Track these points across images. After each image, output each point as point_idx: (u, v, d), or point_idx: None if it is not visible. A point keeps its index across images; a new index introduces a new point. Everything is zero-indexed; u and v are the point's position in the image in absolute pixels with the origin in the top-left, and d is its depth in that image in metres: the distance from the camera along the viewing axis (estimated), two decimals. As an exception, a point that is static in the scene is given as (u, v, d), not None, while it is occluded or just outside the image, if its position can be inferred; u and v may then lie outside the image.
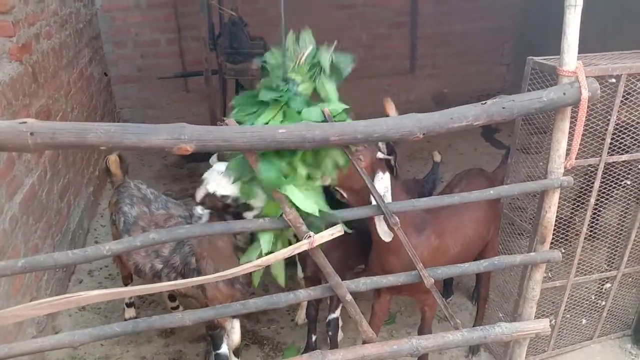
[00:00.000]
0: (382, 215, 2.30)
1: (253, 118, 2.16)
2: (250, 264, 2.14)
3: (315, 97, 2.24)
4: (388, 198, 2.33)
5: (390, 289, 2.58)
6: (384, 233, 2.37)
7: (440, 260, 2.53)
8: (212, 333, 2.71)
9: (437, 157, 3.37)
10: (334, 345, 3.02)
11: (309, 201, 2.12)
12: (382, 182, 2.33)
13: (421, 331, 2.81)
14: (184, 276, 2.62)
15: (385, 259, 2.55)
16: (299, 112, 2.12)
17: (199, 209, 2.22)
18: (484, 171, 3.22)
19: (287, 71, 2.21)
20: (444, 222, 2.65)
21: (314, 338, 3.08)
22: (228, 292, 2.50)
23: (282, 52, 2.22)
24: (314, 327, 3.07)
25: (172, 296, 3.45)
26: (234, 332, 2.78)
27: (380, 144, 3.33)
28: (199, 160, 4.69)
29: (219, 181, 2.23)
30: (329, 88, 2.19)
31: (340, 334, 3.21)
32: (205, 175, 2.29)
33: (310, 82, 2.20)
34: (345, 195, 2.43)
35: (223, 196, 2.24)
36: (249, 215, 2.30)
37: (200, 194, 2.24)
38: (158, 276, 2.71)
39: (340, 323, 3.17)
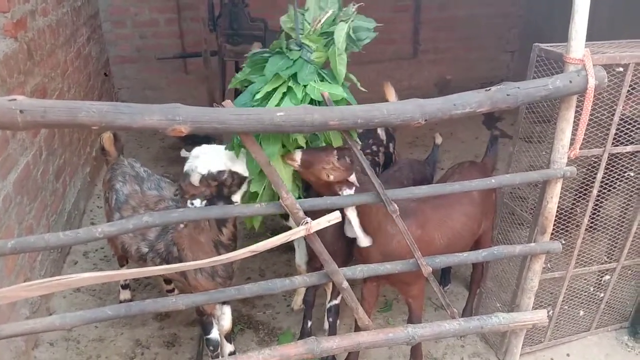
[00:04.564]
0: (355, 221, 2.38)
1: (261, 82, 2.08)
2: (245, 249, 2.11)
3: (328, 65, 2.15)
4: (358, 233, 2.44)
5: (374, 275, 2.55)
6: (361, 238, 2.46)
7: (423, 251, 2.45)
8: (200, 319, 2.69)
9: (439, 139, 3.36)
10: (333, 331, 3.00)
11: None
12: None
13: (410, 323, 2.76)
14: (167, 263, 2.57)
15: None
16: (305, 86, 2.03)
17: (197, 202, 2.16)
18: (476, 163, 3.16)
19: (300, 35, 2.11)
20: (430, 213, 2.59)
21: (309, 324, 3.06)
22: (208, 286, 2.43)
23: (295, 14, 2.09)
24: (310, 313, 3.06)
25: (168, 279, 3.43)
26: (224, 318, 2.75)
27: (380, 130, 3.30)
28: (198, 143, 4.63)
29: (208, 161, 2.18)
30: (339, 65, 2.08)
31: (336, 321, 3.19)
32: (187, 166, 2.22)
33: (324, 51, 2.10)
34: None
35: (219, 172, 2.19)
36: (236, 197, 2.29)
37: (195, 179, 2.16)
38: (143, 259, 2.68)
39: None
